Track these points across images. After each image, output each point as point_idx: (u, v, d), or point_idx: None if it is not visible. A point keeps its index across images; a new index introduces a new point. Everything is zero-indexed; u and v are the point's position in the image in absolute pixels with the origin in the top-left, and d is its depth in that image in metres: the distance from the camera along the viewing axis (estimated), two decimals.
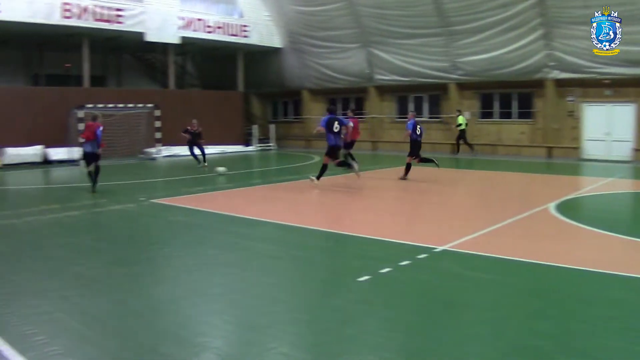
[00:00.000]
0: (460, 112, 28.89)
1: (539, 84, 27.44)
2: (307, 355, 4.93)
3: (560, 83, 27.02)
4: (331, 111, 16.36)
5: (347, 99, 34.54)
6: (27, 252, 8.63)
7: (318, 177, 15.75)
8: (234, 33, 32.33)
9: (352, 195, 14.89)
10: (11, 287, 6.80)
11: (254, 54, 34.81)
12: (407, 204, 13.66)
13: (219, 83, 36.46)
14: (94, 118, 15.44)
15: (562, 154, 27.23)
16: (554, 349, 4.94)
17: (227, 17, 32.50)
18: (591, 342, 5.12)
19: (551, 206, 12.34)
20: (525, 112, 28.74)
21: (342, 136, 16.37)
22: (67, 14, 25.57)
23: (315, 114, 34.69)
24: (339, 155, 16.68)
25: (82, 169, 17.71)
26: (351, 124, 17.25)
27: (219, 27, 31.60)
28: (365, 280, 6.91)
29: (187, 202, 13.36)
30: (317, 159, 25.11)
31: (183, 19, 29.96)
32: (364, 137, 28.81)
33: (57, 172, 21.97)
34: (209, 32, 31.16)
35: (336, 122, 15.66)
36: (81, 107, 25.14)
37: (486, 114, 30.01)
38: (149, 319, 5.74)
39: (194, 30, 30.45)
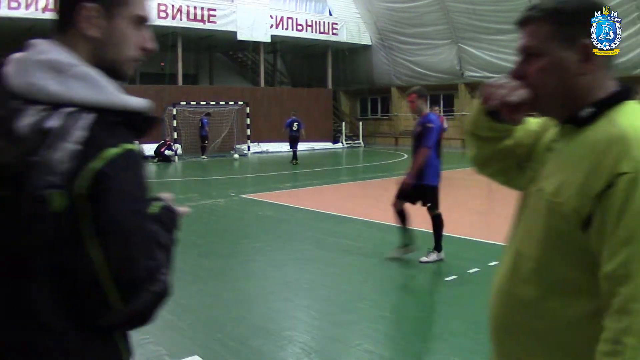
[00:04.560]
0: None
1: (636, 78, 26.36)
2: (391, 352, 4.93)
3: None
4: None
5: (437, 96, 34.14)
6: None
7: None
8: (324, 31, 32.58)
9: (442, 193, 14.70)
10: None
11: (343, 51, 34.93)
12: (498, 202, 13.40)
13: (308, 81, 36.82)
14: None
15: None
16: None
17: (316, 15, 32.80)
18: None
19: None
20: None
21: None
22: (162, 14, 26.40)
23: (404, 111, 34.46)
24: None
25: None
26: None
27: (308, 25, 31.93)
28: (453, 280, 6.84)
29: (275, 197, 13.58)
30: (406, 156, 24.95)
31: (273, 17, 30.41)
32: (453, 134, 28.43)
33: (151, 167, 22.72)
34: (299, 30, 31.52)
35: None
36: (175, 104, 25.90)
37: None
38: (238, 312, 5.87)
39: (284, 29, 30.90)
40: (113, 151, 1.32)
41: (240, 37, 29.13)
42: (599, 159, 1.45)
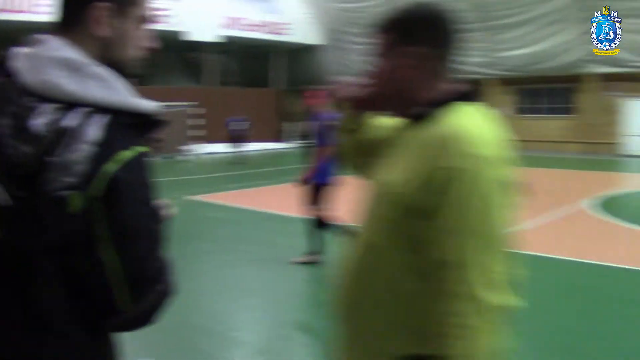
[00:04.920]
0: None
1: (581, 78, 27.07)
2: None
3: (604, 77, 26.62)
4: None
5: None
6: None
7: None
8: (274, 31, 32.55)
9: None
10: None
11: (294, 51, 34.97)
12: None
13: (259, 81, 36.73)
14: None
15: (602, 150, 26.80)
16: (599, 348, 4.96)
17: (267, 15, 32.73)
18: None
19: (591, 203, 12.23)
20: (566, 108, 28.42)
21: None
22: None
23: None
24: None
25: None
26: None
27: (259, 26, 31.85)
28: None
29: (224, 198, 13.56)
30: None
31: (224, 17, 30.26)
32: None
33: None
34: (250, 30, 31.42)
35: None
36: None
37: (525, 110, 29.74)
38: (185, 314, 5.87)
39: (235, 29, 30.74)
40: (127, 154, 1.35)
41: (189, 37, 28.91)
42: (425, 154, 1.60)
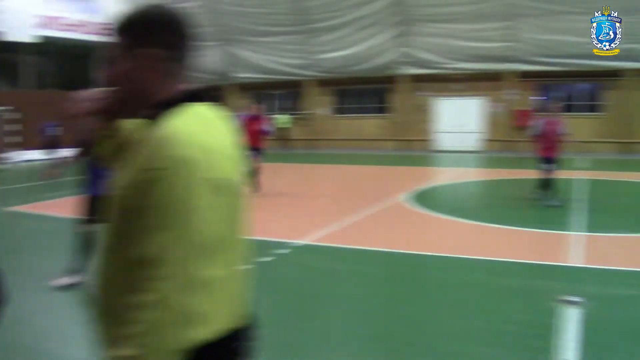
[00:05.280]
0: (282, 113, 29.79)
1: (394, 79, 28.55)
2: None
3: (414, 78, 28.27)
4: None
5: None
6: None
7: None
8: (95, 31, 31.15)
9: None
10: None
11: None
12: (265, 200, 13.79)
13: (81, 83, 34.95)
14: None
15: (415, 147, 28.49)
16: (415, 332, 5.21)
17: (87, 14, 31.27)
18: (453, 324, 5.40)
19: (405, 196, 12.89)
20: (381, 107, 29.83)
21: None
22: None
23: None
24: None
25: None
26: None
27: (78, 26, 30.38)
28: None
29: (44, 208, 12.76)
30: None
31: (40, 17, 28.55)
32: None
33: None
34: (68, 30, 29.90)
35: None
36: None
37: (343, 110, 30.83)
38: (6, 334, 5.46)
39: (52, 29, 29.10)
40: None
41: (3, 37, 26.86)
42: (142, 155, 1.63)
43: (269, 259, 7.70)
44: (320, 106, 30.44)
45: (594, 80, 26.57)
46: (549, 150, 11.66)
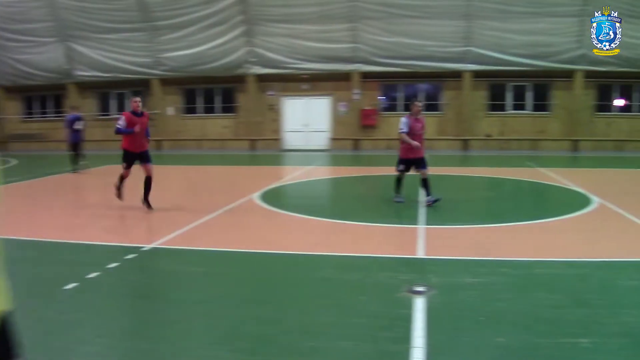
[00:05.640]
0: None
1: (241, 79, 28.49)
2: None
3: (261, 78, 28.40)
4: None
5: (45, 96, 32.32)
6: None
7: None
8: None
9: (49, 197, 14.05)
10: None
11: None
12: (115, 203, 13.23)
13: None
14: None
15: (264, 146, 28.64)
16: (274, 331, 5.12)
17: None
18: (306, 320, 5.38)
19: (256, 196, 12.83)
20: (229, 107, 29.68)
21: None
22: None
23: (11, 112, 32.20)
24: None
25: None
26: None
27: None
28: (73, 288, 6.49)
29: None
30: (15, 162, 23.31)
31: None
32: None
33: None
34: None
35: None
36: None
37: (190, 109, 30.36)
38: None
39: None
40: None
41: None
42: None
43: (114, 264, 7.33)
44: (167, 106, 29.75)
45: (435, 80, 28.01)
46: (411, 150, 11.60)
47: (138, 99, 11.80)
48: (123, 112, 11.83)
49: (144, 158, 11.75)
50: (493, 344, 4.74)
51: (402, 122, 11.75)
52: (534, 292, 6.07)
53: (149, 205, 11.47)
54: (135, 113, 11.52)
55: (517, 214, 11.03)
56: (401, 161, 11.88)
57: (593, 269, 7.06)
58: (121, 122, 11.37)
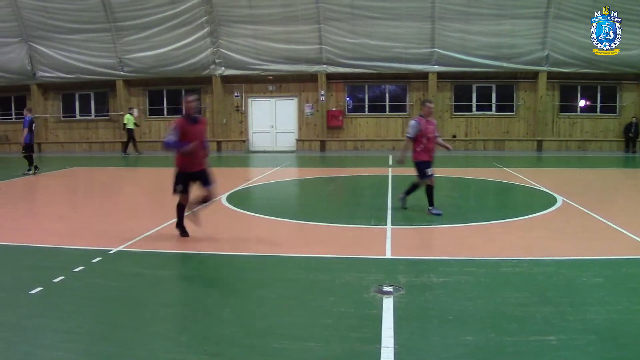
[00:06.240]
0: (130, 111, 28.56)
1: (207, 80, 28.29)
2: None
3: (227, 79, 28.25)
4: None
5: (7, 97, 31.68)
6: None
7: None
8: None
9: (11, 200, 13.78)
10: None
11: None
12: (78, 206, 13.05)
13: None
14: None
15: (230, 148, 28.48)
16: (242, 332, 5.08)
17: None
18: (275, 322, 5.32)
19: (223, 198, 12.76)
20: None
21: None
22: None
23: None
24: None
25: None
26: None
27: None
28: (38, 292, 6.36)
29: None
30: None
31: None
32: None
33: None
34: None
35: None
36: None
37: (155, 111, 30.06)
38: None
39: None
40: None
41: None
42: None
43: (80, 268, 7.21)
44: (132, 107, 29.41)
45: (400, 82, 28.19)
46: (429, 153, 10.81)
47: (193, 97, 9.25)
48: (177, 119, 8.95)
49: (203, 179, 9.01)
50: (461, 342, 4.76)
51: (411, 125, 10.75)
52: (500, 291, 6.12)
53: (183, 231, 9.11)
54: (189, 117, 8.83)
55: (484, 214, 11.14)
56: (424, 164, 10.79)
57: (558, 267, 7.14)
58: (172, 135, 8.64)
